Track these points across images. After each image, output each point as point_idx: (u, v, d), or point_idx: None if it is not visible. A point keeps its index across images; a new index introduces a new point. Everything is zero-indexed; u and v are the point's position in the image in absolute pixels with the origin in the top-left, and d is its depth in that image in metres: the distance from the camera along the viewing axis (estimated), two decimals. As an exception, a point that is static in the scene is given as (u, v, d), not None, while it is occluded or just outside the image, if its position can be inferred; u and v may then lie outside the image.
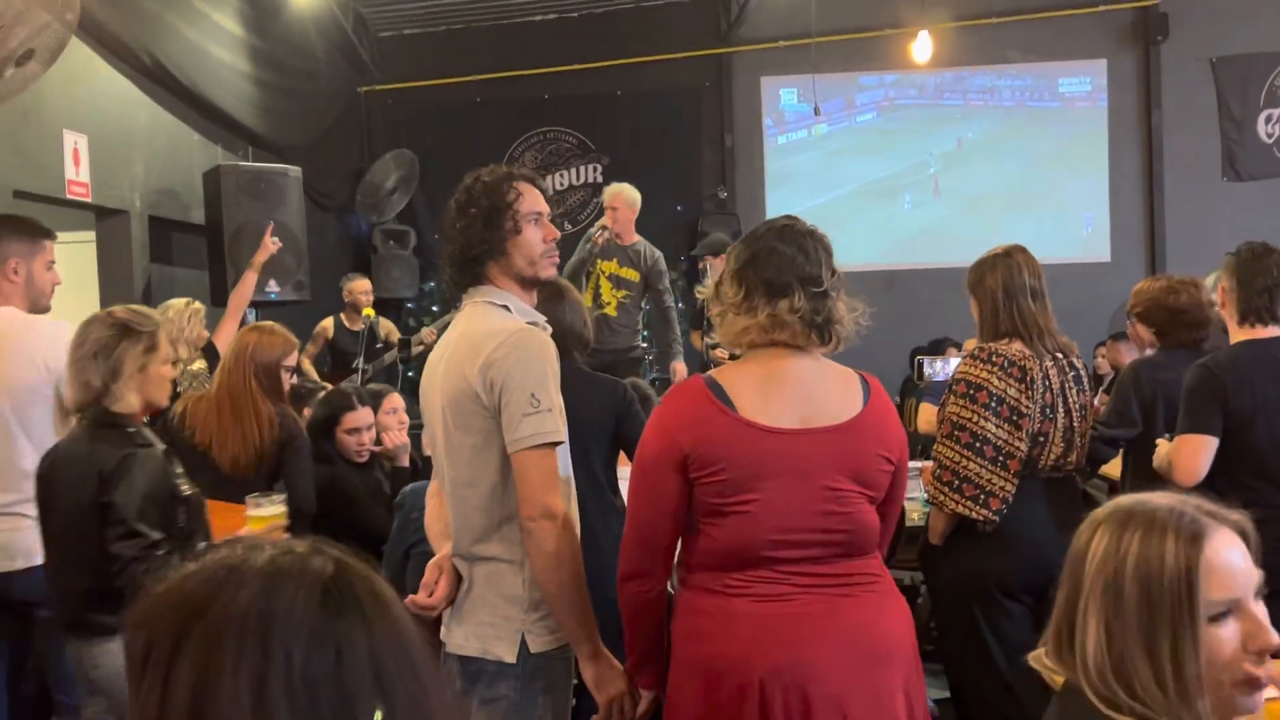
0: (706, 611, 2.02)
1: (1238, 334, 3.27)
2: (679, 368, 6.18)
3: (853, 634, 1.99)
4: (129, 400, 2.65)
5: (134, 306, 2.83)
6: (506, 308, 2.26)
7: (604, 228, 5.92)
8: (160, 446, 2.72)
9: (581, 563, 2.16)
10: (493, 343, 2.14)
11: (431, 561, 2.35)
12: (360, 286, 7.15)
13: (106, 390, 2.62)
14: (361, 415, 3.97)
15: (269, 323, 3.89)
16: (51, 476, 2.70)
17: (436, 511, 2.45)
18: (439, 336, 2.59)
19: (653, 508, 2.05)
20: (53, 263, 3.37)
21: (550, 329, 2.31)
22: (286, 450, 3.55)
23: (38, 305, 3.28)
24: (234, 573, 0.90)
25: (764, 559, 1.98)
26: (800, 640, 1.95)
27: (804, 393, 2.05)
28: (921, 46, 7.77)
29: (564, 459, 2.23)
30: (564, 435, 2.17)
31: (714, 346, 6.01)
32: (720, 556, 2.01)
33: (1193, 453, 3.13)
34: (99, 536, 2.54)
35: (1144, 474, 3.67)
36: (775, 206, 9.23)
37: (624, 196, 6.09)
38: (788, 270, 2.03)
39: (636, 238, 6.12)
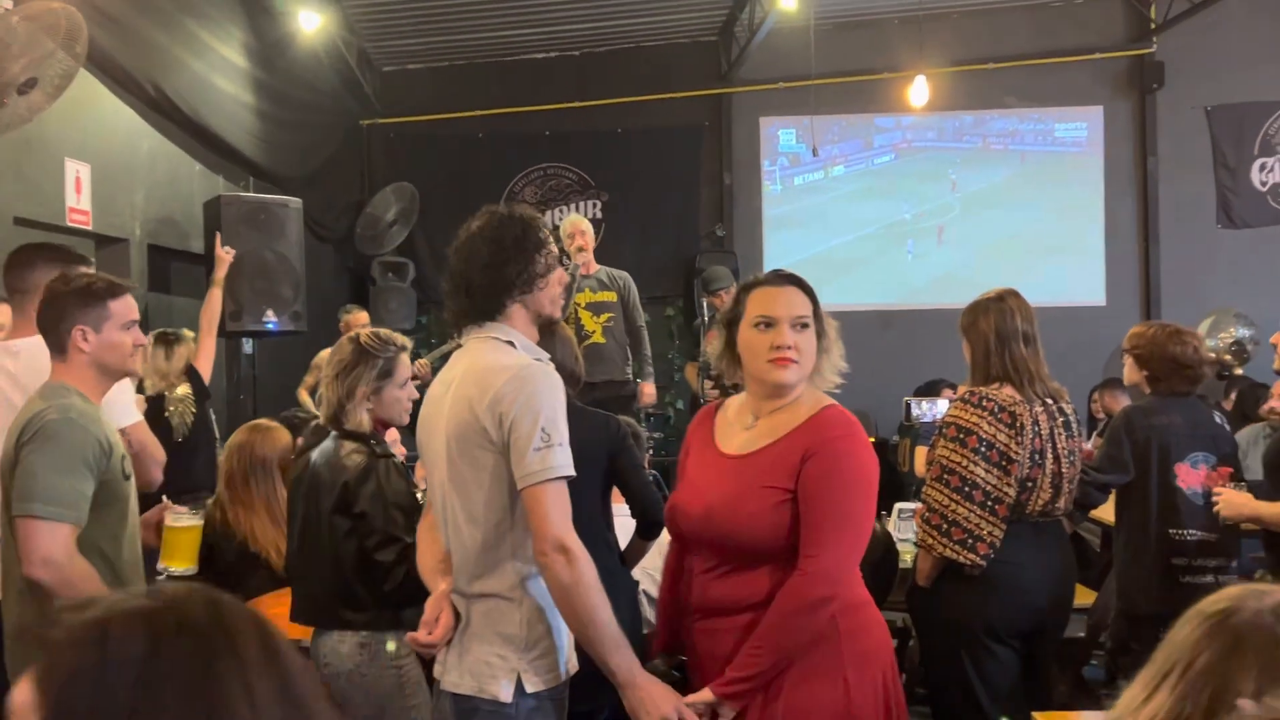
0: (864, 603, 2.26)
1: None
2: (648, 390, 6.21)
3: None
4: (359, 418, 2.86)
5: (380, 331, 3.01)
6: (511, 344, 2.26)
7: (581, 262, 6.01)
8: (398, 456, 2.96)
9: (602, 590, 2.14)
10: (502, 378, 2.15)
11: (431, 599, 2.33)
12: (358, 319, 7.18)
13: (342, 408, 2.85)
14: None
15: (262, 421, 3.99)
16: (300, 484, 2.92)
17: (429, 547, 2.44)
18: (433, 368, 2.61)
19: (870, 529, 2.25)
20: None
21: (553, 365, 2.32)
22: None
23: None
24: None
25: None
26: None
27: None
28: (918, 91, 7.85)
29: None
30: (573, 470, 2.17)
31: (710, 378, 6.06)
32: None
33: None
34: (345, 540, 2.77)
35: (1137, 519, 3.68)
36: (773, 245, 9.29)
37: (586, 224, 6.29)
38: None
39: (596, 265, 6.23)
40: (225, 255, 5.83)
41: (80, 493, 2.55)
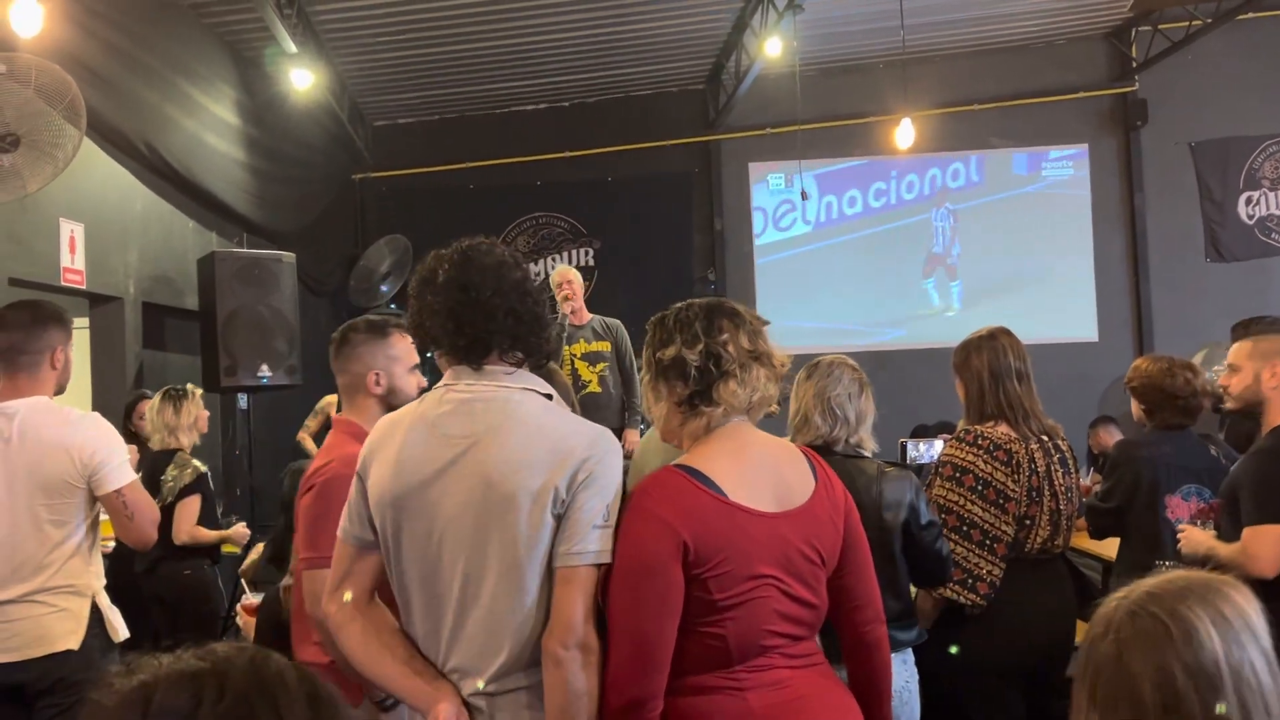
0: (724, 713, 1.86)
1: None
2: (631, 437, 6.02)
3: (840, 712, 1.98)
4: (864, 439, 2.95)
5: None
6: (550, 397, 2.02)
7: (570, 311, 5.99)
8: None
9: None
10: (582, 439, 1.91)
11: (441, 709, 1.91)
12: None
13: (855, 428, 2.90)
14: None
15: None
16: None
17: (395, 640, 2.00)
18: None
19: (659, 614, 1.82)
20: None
21: None
22: None
23: (63, 388, 3.30)
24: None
25: (763, 648, 1.90)
26: None
27: (772, 472, 1.98)
28: (904, 133, 7.92)
29: None
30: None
31: None
32: (723, 654, 1.87)
33: (1275, 543, 2.94)
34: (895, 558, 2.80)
35: (1129, 551, 3.68)
36: (765, 290, 9.33)
37: (574, 274, 6.21)
38: None
39: (589, 315, 6.20)
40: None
41: None
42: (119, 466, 3.15)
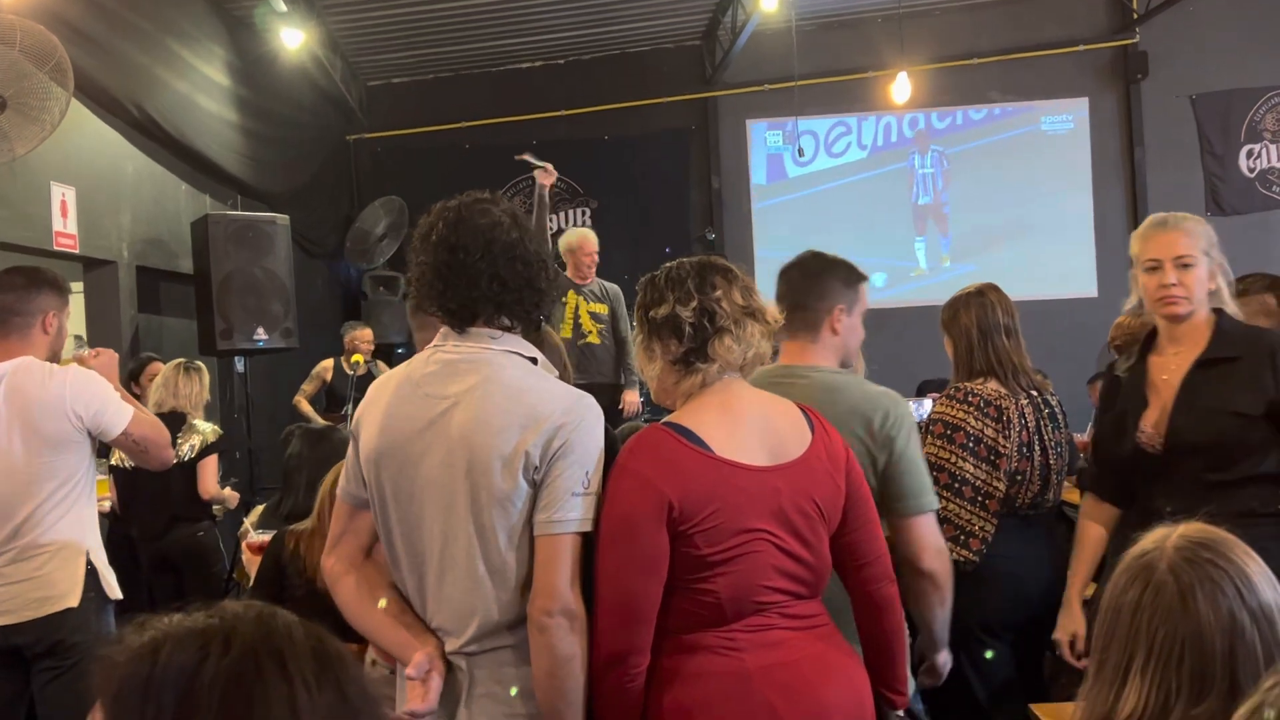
0: (717, 674, 1.86)
1: None
2: (630, 397, 6.19)
3: (842, 675, 1.96)
4: None
5: None
6: (534, 361, 2.01)
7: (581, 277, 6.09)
8: None
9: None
10: (557, 405, 1.90)
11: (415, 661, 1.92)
12: (363, 336, 7.24)
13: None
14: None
15: None
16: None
17: (390, 613, 1.99)
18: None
19: (641, 572, 1.83)
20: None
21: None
22: None
23: (56, 356, 3.31)
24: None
25: (758, 605, 1.88)
26: (813, 687, 1.89)
27: (763, 426, 1.97)
28: (901, 88, 7.86)
29: None
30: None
31: None
32: (717, 612, 1.86)
33: None
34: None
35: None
36: (763, 247, 9.29)
37: (595, 240, 6.32)
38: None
39: (592, 276, 6.26)
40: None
41: None
42: (117, 408, 3.18)
